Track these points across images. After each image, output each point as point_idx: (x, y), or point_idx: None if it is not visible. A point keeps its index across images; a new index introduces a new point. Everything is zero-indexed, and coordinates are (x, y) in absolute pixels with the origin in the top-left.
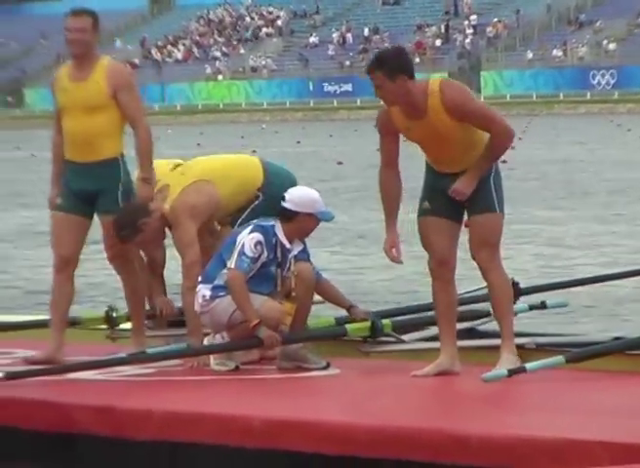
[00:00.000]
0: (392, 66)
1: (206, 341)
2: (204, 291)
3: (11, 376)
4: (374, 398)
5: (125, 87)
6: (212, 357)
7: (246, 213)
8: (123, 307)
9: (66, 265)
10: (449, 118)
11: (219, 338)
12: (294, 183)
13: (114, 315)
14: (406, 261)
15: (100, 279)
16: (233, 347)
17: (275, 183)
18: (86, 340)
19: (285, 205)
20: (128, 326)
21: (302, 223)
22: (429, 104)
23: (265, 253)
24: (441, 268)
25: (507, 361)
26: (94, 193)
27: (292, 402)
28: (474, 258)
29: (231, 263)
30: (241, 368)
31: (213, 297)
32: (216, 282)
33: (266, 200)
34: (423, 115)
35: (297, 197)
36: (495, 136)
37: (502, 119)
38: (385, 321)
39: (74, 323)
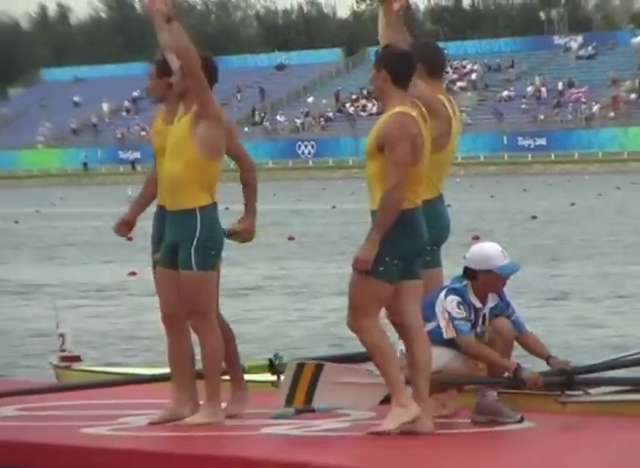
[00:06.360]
0: (382, 59)
1: None
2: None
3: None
4: (570, 452)
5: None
6: None
7: None
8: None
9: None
10: (375, 142)
11: None
12: (447, 227)
13: (278, 363)
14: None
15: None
16: (491, 381)
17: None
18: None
19: (466, 264)
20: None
21: (485, 280)
22: (381, 120)
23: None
24: None
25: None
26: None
27: (488, 457)
28: None
29: (452, 333)
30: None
31: None
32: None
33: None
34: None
35: (473, 255)
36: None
37: (400, 184)
38: None
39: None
